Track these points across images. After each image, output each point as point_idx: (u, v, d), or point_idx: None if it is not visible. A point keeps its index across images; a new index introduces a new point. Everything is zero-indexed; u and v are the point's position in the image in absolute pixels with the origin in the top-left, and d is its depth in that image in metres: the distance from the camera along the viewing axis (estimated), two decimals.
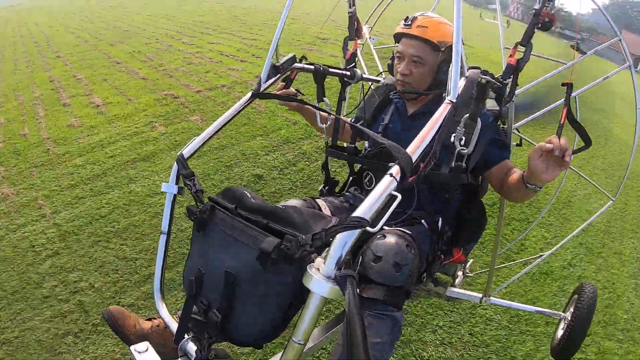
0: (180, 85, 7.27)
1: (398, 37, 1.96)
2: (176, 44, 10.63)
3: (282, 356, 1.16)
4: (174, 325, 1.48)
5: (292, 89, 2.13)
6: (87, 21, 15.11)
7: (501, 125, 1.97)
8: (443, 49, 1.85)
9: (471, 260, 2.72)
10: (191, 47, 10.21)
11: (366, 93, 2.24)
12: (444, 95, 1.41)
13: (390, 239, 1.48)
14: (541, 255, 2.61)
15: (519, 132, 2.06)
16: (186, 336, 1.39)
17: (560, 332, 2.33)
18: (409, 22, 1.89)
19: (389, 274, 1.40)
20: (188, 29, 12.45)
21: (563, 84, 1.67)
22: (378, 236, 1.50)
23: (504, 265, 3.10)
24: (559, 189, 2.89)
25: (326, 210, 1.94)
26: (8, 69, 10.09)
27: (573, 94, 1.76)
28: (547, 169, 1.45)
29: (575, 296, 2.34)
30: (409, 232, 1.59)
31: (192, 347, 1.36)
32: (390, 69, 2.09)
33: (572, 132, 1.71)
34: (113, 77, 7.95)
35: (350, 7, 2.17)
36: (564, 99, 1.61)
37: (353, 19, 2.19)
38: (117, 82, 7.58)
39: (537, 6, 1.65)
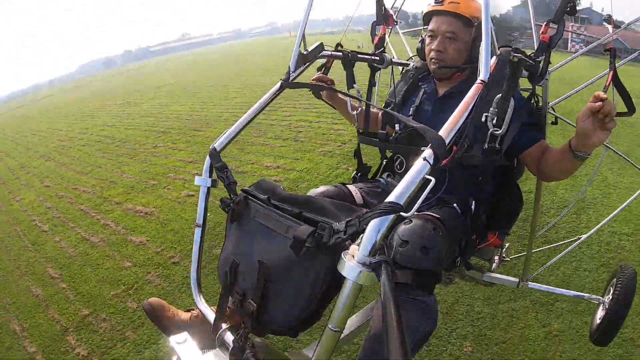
0: None
1: (428, 17, 1.94)
2: None
3: (318, 344, 1.16)
4: (211, 316, 1.50)
5: (328, 76, 2.14)
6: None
7: (535, 105, 1.91)
8: (476, 24, 1.82)
9: (507, 244, 2.66)
10: None
11: (395, 76, 2.23)
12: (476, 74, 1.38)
13: (417, 223, 1.46)
14: (579, 238, 2.55)
15: (554, 110, 2.00)
16: (223, 326, 1.41)
17: (598, 317, 2.27)
18: (440, 0, 1.87)
19: (417, 258, 1.39)
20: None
21: (605, 50, 1.63)
22: (405, 221, 1.48)
23: (541, 249, 3.03)
24: (596, 169, 2.80)
25: (357, 196, 1.94)
26: None
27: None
28: (594, 130, 1.43)
29: (614, 279, 2.27)
30: (437, 216, 1.57)
31: (229, 337, 1.38)
32: (420, 53, 2.06)
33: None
34: None
35: None
36: (607, 70, 1.59)
37: (380, 3, 2.16)
38: None
39: None
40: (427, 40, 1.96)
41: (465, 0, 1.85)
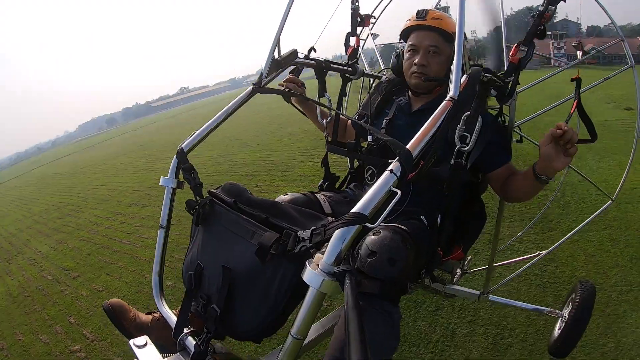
0: None
1: (408, 32, 1.96)
2: None
3: (280, 351, 1.16)
4: (173, 320, 1.48)
5: (299, 79, 2.14)
6: None
7: (502, 123, 1.97)
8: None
9: (470, 257, 2.71)
10: None
11: (370, 88, 2.25)
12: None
13: (386, 234, 1.47)
14: (539, 254, 2.61)
15: (520, 130, 2.06)
16: (185, 330, 1.40)
17: (557, 330, 2.33)
18: (423, 15, 1.90)
19: (384, 269, 1.39)
20: None
21: (572, 79, 1.70)
22: (374, 231, 1.50)
23: (502, 263, 3.10)
24: (559, 188, 2.90)
25: (325, 205, 1.94)
26: None
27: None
28: (556, 155, 1.49)
29: (573, 294, 2.34)
30: (405, 228, 1.59)
31: (191, 342, 1.36)
32: (395, 68, 2.08)
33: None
34: None
35: (353, 4, 2.17)
36: (573, 94, 1.67)
37: (356, 15, 2.19)
38: None
39: (541, 8, 1.65)
40: (407, 55, 1.97)
41: (445, 17, 1.89)
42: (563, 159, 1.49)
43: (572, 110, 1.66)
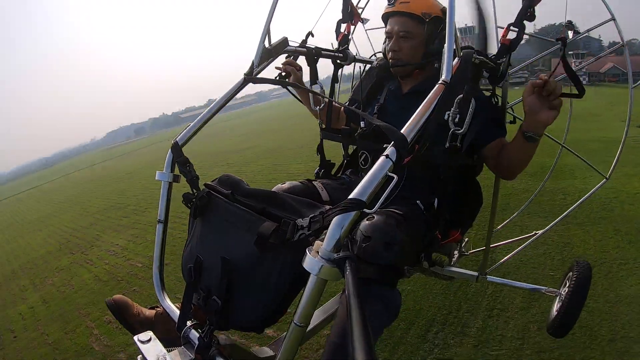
0: None
1: (385, 19, 1.97)
2: None
3: (284, 339, 1.17)
4: (175, 313, 1.49)
5: (296, 62, 2.14)
6: None
7: (495, 105, 1.97)
8: (427, 20, 1.85)
9: (467, 239, 2.73)
10: None
11: (362, 73, 2.25)
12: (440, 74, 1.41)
13: (380, 219, 1.48)
14: (535, 234, 2.63)
15: (512, 111, 2.06)
16: (188, 323, 1.40)
17: (555, 309, 2.36)
18: (392, 1, 1.91)
19: (379, 253, 1.40)
20: None
21: (557, 39, 1.69)
22: (368, 217, 1.51)
23: (498, 244, 3.12)
24: (554, 166, 2.91)
25: (323, 192, 1.95)
26: None
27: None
28: (541, 107, 1.49)
29: (570, 273, 2.36)
30: (400, 212, 1.60)
31: (194, 335, 1.37)
32: (384, 54, 2.08)
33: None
34: None
35: None
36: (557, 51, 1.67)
37: (347, 2, 2.17)
38: None
39: None
40: (386, 41, 1.99)
41: None
42: (547, 112, 1.49)
43: (554, 68, 1.65)
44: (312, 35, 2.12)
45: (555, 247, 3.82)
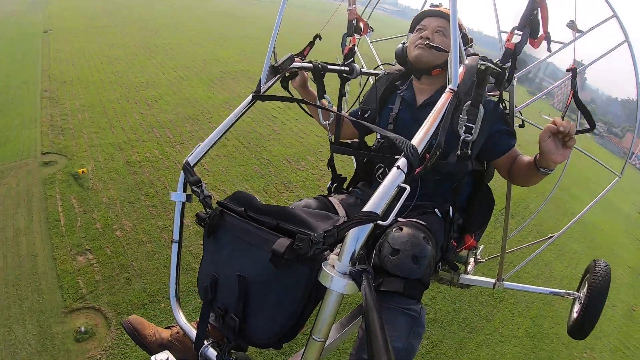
0: None
1: (419, 19, 2.03)
2: None
3: (303, 354, 1.16)
4: (192, 333, 1.49)
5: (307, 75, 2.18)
6: None
7: (503, 109, 1.97)
8: (463, 30, 1.93)
9: (482, 246, 2.71)
10: None
11: (364, 85, 2.27)
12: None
13: (407, 231, 1.47)
14: (551, 237, 2.61)
15: (521, 114, 2.06)
16: (205, 342, 1.40)
17: (575, 312, 2.33)
18: (437, 4, 2.01)
19: (408, 267, 1.40)
20: None
21: (567, 70, 1.71)
22: (394, 228, 1.50)
23: (514, 249, 3.10)
24: (564, 169, 2.89)
25: (339, 208, 1.95)
26: None
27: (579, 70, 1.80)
28: (556, 149, 1.52)
29: (588, 274, 2.33)
30: (424, 223, 1.59)
31: (212, 353, 1.36)
32: (399, 55, 2.10)
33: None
34: None
35: (350, 5, 2.18)
36: (568, 81, 1.69)
37: (352, 16, 2.20)
38: None
39: None
40: (414, 35, 2.02)
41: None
42: (562, 152, 1.53)
43: (568, 102, 1.70)
44: (320, 38, 2.14)
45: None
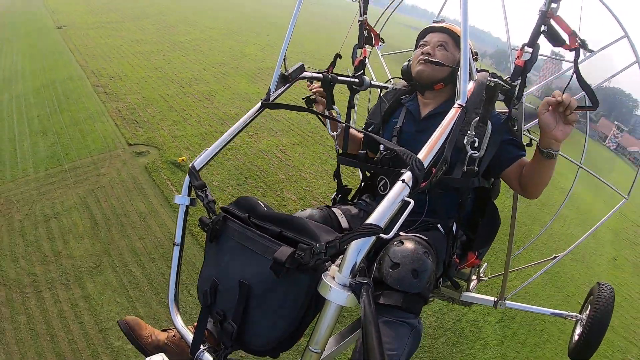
0: None
1: (423, 34, 2.05)
2: None
3: None
4: (189, 336, 1.48)
5: (323, 93, 2.15)
6: None
7: (512, 126, 1.96)
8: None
9: (485, 264, 2.69)
10: None
11: (379, 97, 2.28)
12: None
13: (408, 245, 1.47)
14: (555, 257, 2.58)
15: (529, 132, 2.05)
16: (202, 347, 1.39)
17: (577, 334, 2.30)
18: (439, 20, 2.04)
19: (407, 281, 1.40)
20: None
21: (571, 49, 1.68)
22: (395, 242, 1.50)
23: (518, 268, 3.08)
24: (571, 188, 2.87)
25: (342, 219, 1.94)
26: None
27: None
28: (556, 124, 1.50)
29: (592, 297, 2.31)
30: (426, 238, 1.58)
31: (208, 358, 1.36)
32: (405, 72, 2.12)
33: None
34: None
35: (360, 16, 2.19)
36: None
37: (363, 27, 2.21)
38: None
39: (543, 7, 1.65)
40: (417, 50, 2.04)
41: (453, 26, 2.00)
42: (563, 127, 1.50)
43: (570, 79, 1.65)
44: (340, 57, 2.16)
45: None
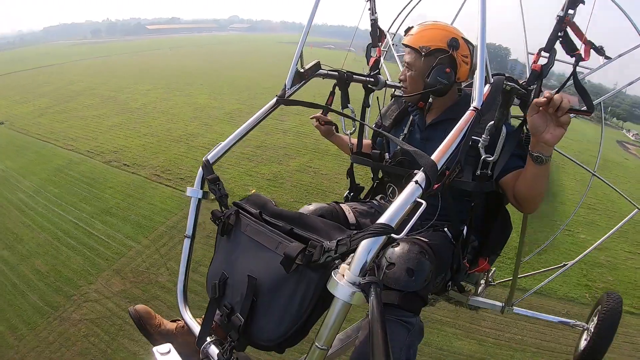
0: None
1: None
2: None
3: None
4: (196, 328, 1.49)
5: (327, 117, 2.26)
6: None
7: (525, 132, 1.93)
8: (424, 53, 1.82)
9: (494, 269, 2.68)
10: None
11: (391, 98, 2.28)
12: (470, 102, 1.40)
13: (404, 246, 1.47)
14: (565, 265, 2.56)
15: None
16: (208, 339, 1.41)
17: (583, 343, 2.28)
18: (409, 27, 1.96)
19: (403, 280, 1.40)
20: None
21: (572, 55, 1.65)
22: (392, 244, 1.50)
23: (526, 274, 3.05)
24: (584, 195, 2.84)
25: (350, 215, 1.94)
26: None
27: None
28: (546, 126, 1.43)
29: (599, 307, 2.29)
30: (426, 240, 1.58)
31: (214, 350, 1.37)
32: None
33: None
34: None
35: (372, 15, 2.18)
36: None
37: (375, 26, 2.20)
38: None
39: (560, 13, 1.63)
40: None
41: (420, 31, 1.88)
42: (553, 130, 1.43)
43: (565, 81, 1.64)
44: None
45: None
